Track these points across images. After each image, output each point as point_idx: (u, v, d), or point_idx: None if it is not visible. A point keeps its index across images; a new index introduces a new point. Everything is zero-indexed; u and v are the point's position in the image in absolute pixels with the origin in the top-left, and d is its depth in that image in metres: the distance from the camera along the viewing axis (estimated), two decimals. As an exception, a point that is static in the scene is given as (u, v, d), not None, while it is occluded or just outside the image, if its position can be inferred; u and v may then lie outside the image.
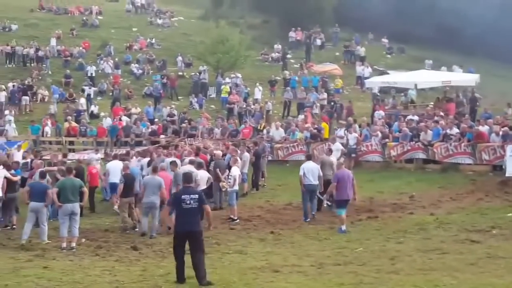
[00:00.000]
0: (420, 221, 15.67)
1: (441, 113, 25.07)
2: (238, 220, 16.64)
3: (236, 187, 17.22)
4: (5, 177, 16.34)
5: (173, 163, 16.92)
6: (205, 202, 10.74)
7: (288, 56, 43.24)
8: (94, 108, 33.83)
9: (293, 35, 45.67)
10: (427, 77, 29.57)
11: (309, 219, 16.38)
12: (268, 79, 37.04)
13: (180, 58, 41.92)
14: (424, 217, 16.00)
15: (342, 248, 13.56)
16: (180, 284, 10.63)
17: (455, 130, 21.92)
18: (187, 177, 11.18)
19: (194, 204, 10.39)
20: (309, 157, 17.08)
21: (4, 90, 33.97)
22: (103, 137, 28.56)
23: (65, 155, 21.70)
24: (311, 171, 16.28)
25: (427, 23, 42.43)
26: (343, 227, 14.94)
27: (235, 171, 17.16)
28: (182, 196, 10.49)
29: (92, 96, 34.87)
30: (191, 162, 17.01)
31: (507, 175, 19.12)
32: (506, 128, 20.83)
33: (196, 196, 10.50)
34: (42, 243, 14.56)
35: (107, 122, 30.04)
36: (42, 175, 15.18)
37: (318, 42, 45.62)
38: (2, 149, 24.55)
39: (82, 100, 34.21)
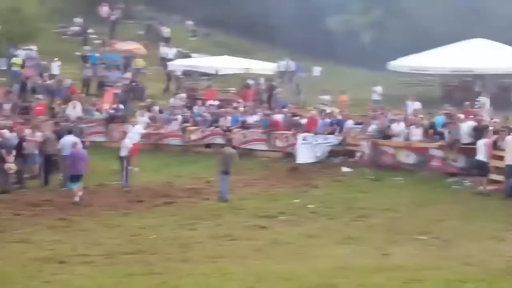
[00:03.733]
0: (215, 207, 16.00)
1: (240, 100, 25.69)
2: None
3: None
4: None
5: None
6: None
7: (90, 31, 41.59)
8: None
9: (102, 10, 43.73)
10: (229, 63, 30.14)
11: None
12: (81, 54, 35.29)
13: None
14: (219, 203, 16.31)
15: (135, 235, 13.45)
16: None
17: (254, 118, 22.58)
18: None
19: None
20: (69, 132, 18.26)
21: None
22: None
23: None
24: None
25: (234, 8, 43.22)
26: (76, 198, 16.12)
27: None
28: None
29: None
30: None
31: (297, 162, 20.16)
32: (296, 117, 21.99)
33: None
34: None
35: None
36: None
37: (113, 17, 43.87)
38: None
39: None
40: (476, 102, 25.18)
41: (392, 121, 20.41)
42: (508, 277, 10.29)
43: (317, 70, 37.42)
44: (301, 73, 36.72)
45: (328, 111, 23.04)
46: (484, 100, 25.62)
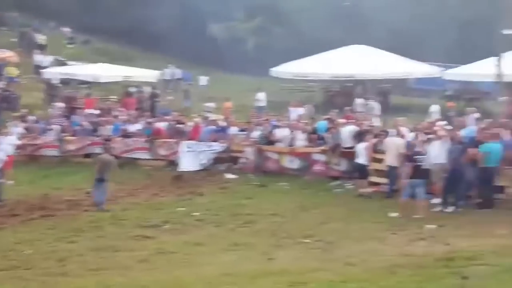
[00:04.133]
0: (96, 218, 15.36)
1: (121, 108, 25.05)
2: None
3: None
4: None
5: None
6: None
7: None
8: None
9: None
10: (109, 71, 29.43)
11: None
12: None
13: None
14: (100, 214, 15.69)
15: (9, 251, 12.72)
16: None
17: (136, 126, 22.06)
18: None
19: None
20: None
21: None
22: None
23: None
24: None
25: (114, 15, 42.31)
26: None
27: None
28: None
29: None
30: None
31: (180, 169, 19.84)
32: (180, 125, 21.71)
33: None
34: None
35: None
36: None
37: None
38: None
39: None
40: (366, 105, 26.14)
41: (276, 127, 20.60)
42: (389, 275, 10.49)
43: (203, 80, 37.32)
44: (189, 81, 36.55)
45: (212, 118, 22.95)
46: (373, 105, 26.54)
